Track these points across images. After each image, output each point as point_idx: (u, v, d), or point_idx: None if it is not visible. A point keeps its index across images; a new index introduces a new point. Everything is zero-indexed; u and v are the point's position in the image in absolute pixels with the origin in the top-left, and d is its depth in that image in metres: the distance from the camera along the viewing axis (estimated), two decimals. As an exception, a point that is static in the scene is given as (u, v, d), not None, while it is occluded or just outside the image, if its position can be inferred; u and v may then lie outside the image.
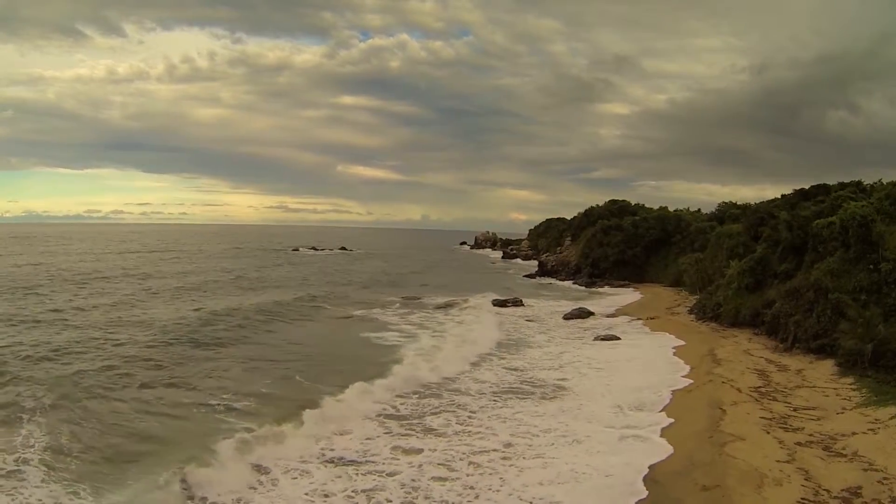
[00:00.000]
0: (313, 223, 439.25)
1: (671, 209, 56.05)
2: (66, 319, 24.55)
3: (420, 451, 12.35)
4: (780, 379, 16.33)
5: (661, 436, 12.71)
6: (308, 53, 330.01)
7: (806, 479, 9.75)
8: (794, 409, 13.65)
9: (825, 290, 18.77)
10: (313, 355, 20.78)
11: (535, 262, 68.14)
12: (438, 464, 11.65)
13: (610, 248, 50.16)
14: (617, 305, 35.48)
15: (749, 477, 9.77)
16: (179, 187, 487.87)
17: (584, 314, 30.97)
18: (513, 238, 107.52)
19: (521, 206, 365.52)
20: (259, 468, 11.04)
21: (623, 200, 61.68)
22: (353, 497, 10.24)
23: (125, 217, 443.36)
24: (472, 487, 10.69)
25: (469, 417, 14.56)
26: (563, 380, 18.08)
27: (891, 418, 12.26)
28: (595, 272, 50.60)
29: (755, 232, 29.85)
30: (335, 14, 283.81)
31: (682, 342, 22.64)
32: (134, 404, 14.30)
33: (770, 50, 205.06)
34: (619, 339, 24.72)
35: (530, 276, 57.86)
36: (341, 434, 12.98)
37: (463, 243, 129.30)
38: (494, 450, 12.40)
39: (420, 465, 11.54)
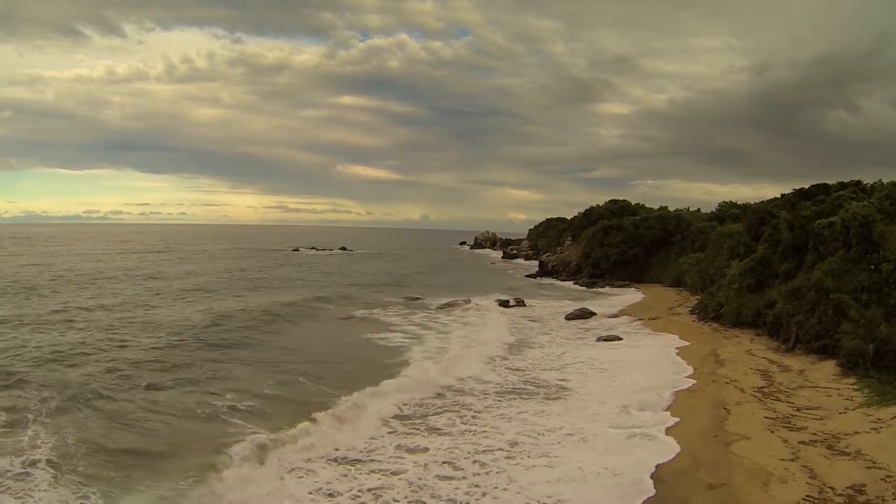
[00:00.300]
0: (312, 223, 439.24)
1: (670, 208, 56.33)
2: (70, 321, 24.54)
3: (426, 449, 12.48)
4: (782, 379, 16.47)
5: (667, 435, 12.85)
6: (307, 53, 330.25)
7: (811, 478, 9.90)
8: (798, 409, 13.79)
9: (826, 291, 18.90)
10: (319, 357, 20.85)
11: (536, 262, 68.29)
12: (444, 462, 11.77)
13: (611, 248, 50.30)
14: (618, 306, 35.63)
15: (755, 475, 9.92)
16: (178, 187, 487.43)
17: (585, 314, 31.11)
18: (512, 238, 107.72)
19: (521, 205, 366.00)
20: (268, 469, 11.11)
21: (623, 200, 61.87)
22: (359, 496, 10.34)
23: (124, 217, 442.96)
24: (477, 486, 10.79)
25: (473, 417, 14.69)
26: (567, 380, 18.22)
27: (893, 418, 12.41)
28: (596, 272, 50.75)
29: (756, 232, 29.94)
30: (335, 14, 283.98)
31: (685, 343, 22.79)
32: (141, 407, 14.32)
33: (769, 50, 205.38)
34: (621, 339, 24.85)
35: (531, 276, 58.02)
36: (348, 434, 13.05)
37: (463, 243, 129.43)
38: (500, 449, 12.52)
39: (426, 465, 11.66)
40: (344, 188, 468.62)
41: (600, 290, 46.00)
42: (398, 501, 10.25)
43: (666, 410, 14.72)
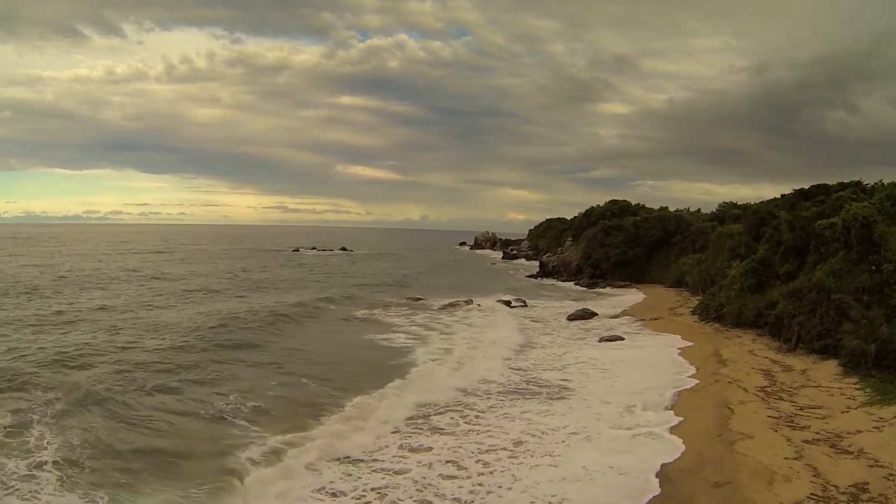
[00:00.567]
0: (312, 223, 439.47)
1: (670, 208, 56.50)
2: (74, 322, 24.52)
3: (429, 449, 12.60)
4: (785, 379, 16.60)
5: (672, 434, 12.95)
6: (307, 54, 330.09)
7: (814, 476, 10.03)
8: (800, 409, 13.92)
9: (828, 291, 19.02)
10: (324, 358, 20.88)
11: (536, 263, 68.43)
12: (447, 462, 11.89)
13: (611, 248, 50.43)
14: (620, 306, 35.76)
15: (760, 473, 10.05)
16: (178, 187, 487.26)
17: (587, 315, 31.23)
18: (512, 238, 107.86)
19: (520, 205, 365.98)
20: (276, 472, 11.11)
21: (623, 200, 62.03)
22: (364, 496, 10.44)
23: (124, 217, 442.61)
24: (481, 485, 10.90)
25: (477, 417, 14.79)
26: (570, 380, 18.32)
27: (894, 417, 12.54)
28: (597, 273, 50.87)
29: (756, 232, 30.09)
30: (334, 14, 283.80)
31: (687, 343, 22.90)
32: (146, 409, 14.28)
33: (769, 50, 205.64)
34: (623, 339, 24.97)
35: (532, 276, 58.16)
36: (354, 436, 13.09)
37: (463, 244, 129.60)
38: (504, 448, 12.62)
39: (430, 464, 11.78)
40: (343, 188, 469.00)
41: (601, 290, 46.12)
42: (403, 501, 10.32)
43: (670, 410, 14.83)
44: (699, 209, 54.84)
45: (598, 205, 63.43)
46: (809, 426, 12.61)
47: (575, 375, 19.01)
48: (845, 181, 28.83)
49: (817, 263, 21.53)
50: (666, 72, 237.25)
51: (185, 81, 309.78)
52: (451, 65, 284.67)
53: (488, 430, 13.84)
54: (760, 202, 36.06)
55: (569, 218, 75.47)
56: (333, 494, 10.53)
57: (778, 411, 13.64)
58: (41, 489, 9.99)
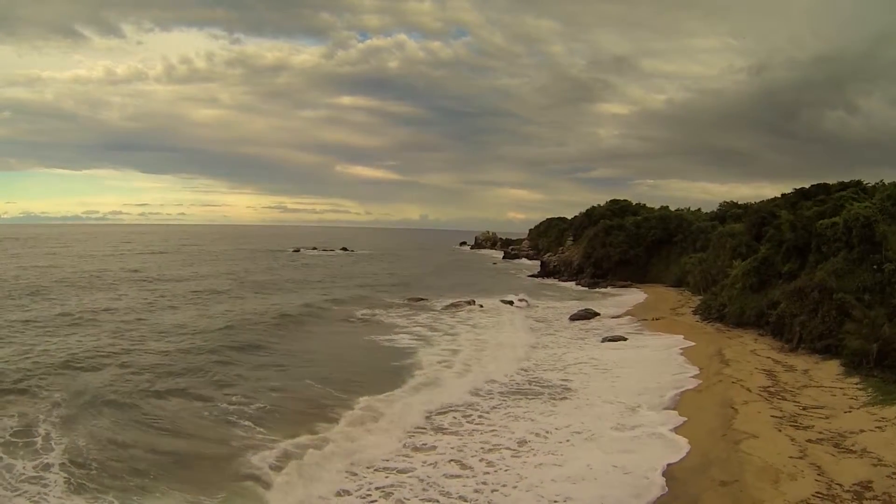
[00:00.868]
0: (312, 223, 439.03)
1: (669, 208, 56.58)
2: (78, 324, 24.45)
3: (433, 448, 12.74)
4: (787, 379, 16.74)
5: (676, 434, 13.10)
6: (306, 54, 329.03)
7: (819, 475, 10.17)
8: (804, 408, 14.06)
9: (830, 291, 19.16)
10: (331, 360, 20.93)
11: (537, 262, 68.64)
12: (452, 461, 12.04)
13: (612, 248, 50.56)
14: (621, 306, 35.91)
15: (765, 472, 10.19)
16: (178, 188, 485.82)
17: (589, 315, 31.39)
18: (512, 237, 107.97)
19: (520, 205, 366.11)
20: (285, 476, 11.11)
21: (624, 200, 62.14)
22: (369, 495, 10.55)
23: (123, 218, 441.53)
24: (485, 483, 11.04)
25: (480, 417, 14.93)
26: (573, 380, 18.46)
27: (897, 416, 12.68)
28: (598, 272, 51.01)
29: (757, 232, 30.28)
30: (333, 15, 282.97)
31: (690, 343, 23.02)
32: (153, 412, 14.26)
33: (768, 50, 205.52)
34: (626, 339, 25.13)
35: (533, 276, 58.35)
36: (363, 438, 13.13)
37: (463, 243, 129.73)
38: (508, 447, 12.76)
39: (435, 463, 11.92)
40: (343, 188, 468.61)
41: (602, 290, 46.28)
42: (409, 500, 10.43)
43: (673, 410, 14.98)
44: (699, 209, 55.07)
45: (599, 204, 63.62)
46: (813, 426, 12.75)
47: (578, 375, 19.15)
48: (845, 181, 29.01)
49: (819, 263, 21.68)
50: (665, 72, 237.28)
51: (185, 82, 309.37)
52: (450, 65, 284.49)
53: (493, 430, 13.97)
54: (761, 202, 36.30)
55: (569, 217, 75.69)
56: (338, 494, 10.64)
57: (781, 411, 13.77)
58: (49, 492, 10.04)
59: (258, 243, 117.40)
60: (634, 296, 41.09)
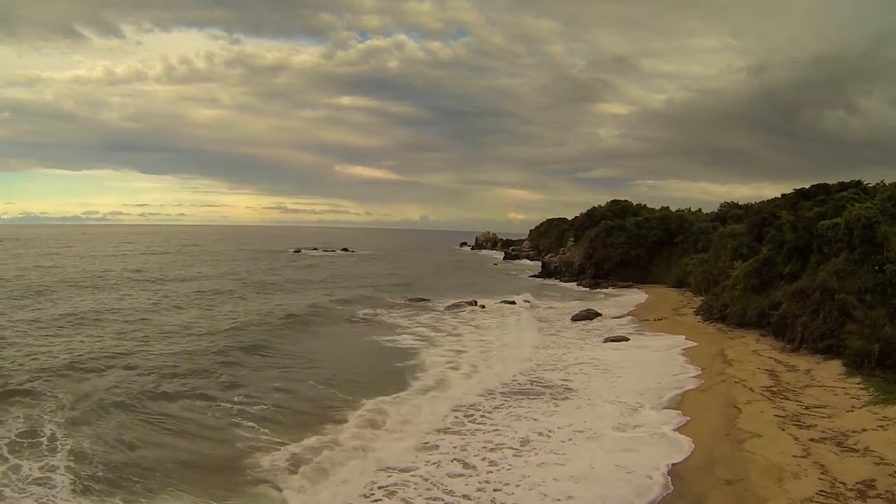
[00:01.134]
0: (312, 223, 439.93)
1: (669, 208, 56.74)
2: (83, 326, 24.40)
3: (436, 447, 12.85)
4: (789, 378, 16.88)
5: (680, 433, 13.23)
6: (306, 54, 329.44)
7: (822, 473, 10.31)
8: (806, 408, 14.19)
9: (831, 292, 19.30)
10: (338, 362, 20.93)
11: (538, 263, 68.82)
12: (455, 460, 12.15)
13: (613, 248, 50.68)
14: (623, 306, 36.02)
15: (769, 471, 10.33)
16: (177, 188, 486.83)
17: (591, 315, 31.51)
18: (512, 238, 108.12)
19: (520, 205, 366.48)
20: (295, 479, 11.17)
21: (625, 201, 62.28)
22: (372, 494, 10.66)
23: (123, 218, 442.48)
24: (488, 482, 11.15)
25: (483, 416, 15.02)
26: (575, 380, 18.56)
27: (899, 415, 12.81)
28: (599, 273, 51.12)
29: (758, 232, 30.41)
30: (333, 15, 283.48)
31: (692, 343, 23.14)
32: (159, 415, 14.14)
33: (768, 50, 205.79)
34: (628, 340, 25.25)
35: (534, 276, 58.48)
36: (371, 440, 13.17)
37: (463, 244, 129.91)
38: (511, 447, 12.88)
39: (438, 462, 12.02)
40: (343, 188, 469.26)
41: (603, 290, 46.36)
42: (413, 499, 10.52)
43: (677, 409, 15.08)
44: (700, 209, 55.21)
45: (600, 205, 63.72)
46: (815, 425, 12.88)
47: (580, 375, 19.26)
48: (845, 181, 29.13)
49: (820, 264, 21.81)
50: (665, 72, 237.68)
51: (185, 82, 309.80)
52: (450, 65, 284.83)
53: (495, 429, 14.08)
54: (761, 202, 36.42)
55: (569, 218, 75.84)
56: (347, 494, 10.66)
57: (784, 410, 13.91)
58: (56, 494, 10.07)
59: (258, 244, 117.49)
60: (636, 296, 41.21)
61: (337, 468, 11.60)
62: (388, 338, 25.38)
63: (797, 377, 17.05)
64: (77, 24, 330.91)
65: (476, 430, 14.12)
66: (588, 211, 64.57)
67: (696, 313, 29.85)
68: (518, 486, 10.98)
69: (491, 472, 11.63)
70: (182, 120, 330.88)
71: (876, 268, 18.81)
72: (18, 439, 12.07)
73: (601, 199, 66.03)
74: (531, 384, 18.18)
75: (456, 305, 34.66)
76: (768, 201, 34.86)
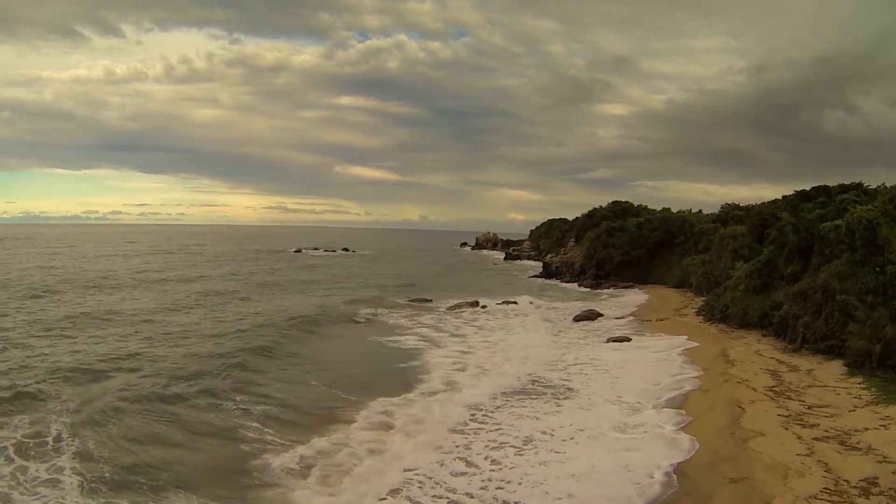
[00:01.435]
0: (311, 224, 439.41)
1: (669, 209, 57.00)
2: (88, 328, 24.38)
3: (439, 446, 13.01)
4: (792, 378, 17.04)
5: (684, 433, 13.38)
6: (306, 54, 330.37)
7: (826, 471, 10.47)
8: (809, 407, 14.36)
9: (833, 292, 19.47)
10: (345, 364, 21.12)
11: (538, 263, 69.08)
12: (458, 458, 12.34)
13: (615, 249, 50.88)
14: (625, 307, 36.19)
15: (774, 469, 10.49)
16: (177, 188, 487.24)
17: (593, 316, 31.69)
18: (513, 238, 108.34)
19: (519, 206, 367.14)
20: (296, 478, 11.29)
21: (626, 202, 62.57)
22: (377, 493, 10.76)
23: (123, 218, 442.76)
24: (490, 480, 11.33)
25: (485, 416, 15.18)
26: (578, 380, 18.74)
27: (901, 415, 12.98)
28: (600, 273, 51.31)
29: (759, 234, 30.62)
30: (333, 15, 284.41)
31: (694, 343, 23.29)
32: (167, 418, 14.22)
33: (767, 51, 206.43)
34: (630, 340, 25.42)
35: (535, 277, 58.66)
36: (378, 441, 13.25)
37: (464, 244, 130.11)
38: (513, 445, 13.05)
39: (441, 462, 12.20)
40: (342, 189, 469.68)
41: (605, 291, 46.53)
42: (416, 497, 10.65)
43: (679, 409, 15.22)
44: (700, 210, 55.41)
45: (601, 206, 64.03)
46: (818, 424, 13.04)
47: (583, 375, 19.42)
48: (845, 182, 29.38)
49: (822, 265, 21.98)
50: (665, 72, 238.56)
51: (184, 82, 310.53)
52: (450, 65, 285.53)
53: (498, 428, 14.23)
54: (762, 203, 36.62)
55: (569, 218, 76.17)
56: (333, 487, 10.82)
57: (787, 410, 14.07)
58: (65, 495, 10.13)
59: (259, 244, 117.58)
60: (637, 297, 41.37)
61: (348, 471, 11.67)
62: (393, 339, 25.51)
63: (799, 377, 17.22)
64: (77, 24, 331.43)
65: (479, 428, 14.29)
66: (589, 212, 64.84)
67: (698, 314, 30.01)
68: (520, 484, 11.14)
69: (494, 470, 11.78)
70: (182, 120, 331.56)
71: (877, 269, 18.97)
72: (25, 440, 12.17)
73: (601, 199, 66.72)
74: (533, 384, 18.33)
75: (458, 306, 34.83)
76: (769, 203, 35.07)
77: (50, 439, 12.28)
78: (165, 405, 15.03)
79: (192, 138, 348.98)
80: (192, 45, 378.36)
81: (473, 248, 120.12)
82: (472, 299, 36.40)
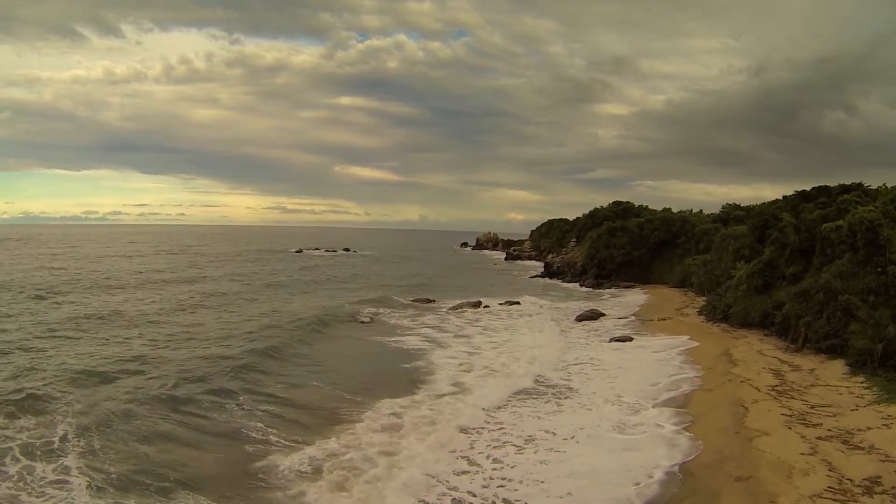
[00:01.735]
0: (311, 224, 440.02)
1: (670, 209, 57.20)
2: (94, 329, 24.45)
3: (442, 446, 13.12)
4: (794, 378, 17.18)
5: (689, 432, 13.53)
6: (306, 54, 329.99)
7: (830, 470, 10.62)
8: (812, 406, 14.50)
9: (835, 292, 19.62)
10: (352, 364, 21.25)
11: (539, 263, 69.23)
12: (461, 457, 12.49)
13: (616, 249, 51.01)
14: (626, 306, 36.33)
15: (778, 468, 10.63)
16: (177, 188, 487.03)
17: (595, 315, 31.82)
18: (513, 238, 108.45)
19: (519, 206, 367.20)
20: (302, 479, 11.38)
21: (627, 202, 62.72)
22: (380, 491, 10.89)
23: (123, 218, 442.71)
24: (492, 478, 11.46)
25: (489, 416, 15.29)
26: (581, 379, 18.91)
27: (903, 414, 13.11)
28: (601, 273, 51.43)
29: (760, 234, 30.76)
30: (333, 15, 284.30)
31: (697, 343, 23.43)
32: (173, 419, 14.25)
33: (767, 51, 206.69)
34: (633, 339, 25.55)
35: (536, 277, 58.78)
36: (384, 442, 13.34)
37: (464, 244, 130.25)
38: (515, 444, 13.19)
39: (443, 461, 12.30)
40: (342, 189, 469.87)
41: (606, 291, 46.64)
42: (419, 496, 10.77)
43: (685, 408, 15.39)
44: (701, 210, 55.64)
45: (602, 206, 64.20)
46: (821, 423, 13.18)
47: (585, 375, 19.58)
48: (846, 183, 29.51)
49: (823, 265, 22.14)
50: (665, 72, 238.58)
51: (184, 82, 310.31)
52: (449, 65, 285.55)
53: (500, 427, 14.37)
54: (763, 204, 36.75)
55: (569, 218, 76.35)
56: (343, 489, 10.95)
57: (791, 409, 14.22)
58: (74, 496, 10.20)
59: (260, 244, 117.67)
60: (638, 296, 41.50)
61: (357, 472, 11.75)
62: (399, 339, 25.63)
63: (802, 377, 17.35)
64: (77, 24, 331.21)
65: (481, 427, 14.42)
66: (590, 212, 65.00)
67: (700, 313, 30.15)
68: (521, 482, 11.29)
69: (496, 469, 11.92)
70: (182, 120, 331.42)
71: (879, 269, 19.13)
72: (31, 440, 12.25)
73: (600, 199, 67.00)
74: (535, 384, 18.44)
75: (461, 306, 34.95)
76: (769, 203, 35.19)
77: (56, 440, 12.36)
78: (172, 406, 15.06)
79: (192, 138, 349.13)
80: (191, 45, 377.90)
81: (474, 248, 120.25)
82: (474, 300, 36.49)
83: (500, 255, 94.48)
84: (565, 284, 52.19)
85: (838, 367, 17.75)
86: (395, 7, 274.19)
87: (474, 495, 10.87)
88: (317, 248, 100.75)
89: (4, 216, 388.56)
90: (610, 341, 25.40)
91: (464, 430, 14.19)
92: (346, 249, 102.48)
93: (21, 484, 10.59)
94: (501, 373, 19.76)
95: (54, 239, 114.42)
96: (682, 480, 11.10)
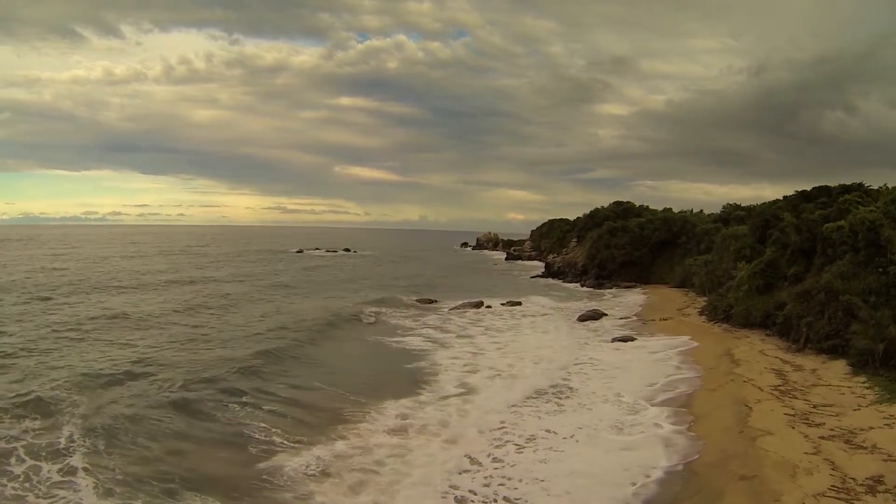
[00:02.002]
0: (311, 224, 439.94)
1: (671, 209, 57.25)
2: (98, 330, 24.36)
3: (442, 446, 13.19)
4: (796, 378, 17.28)
5: (692, 431, 13.64)
6: (305, 55, 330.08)
7: (833, 469, 10.72)
8: (814, 406, 14.60)
9: (836, 293, 19.71)
10: (358, 365, 21.35)
11: (539, 263, 69.33)
12: (463, 456, 12.54)
13: (617, 249, 51.09)
14: (628, 306, 36.43)
15: (782, 467, 10.73)
16: (177, 189, 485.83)
17: (597, 316, 31.91)
18: (513, 238, 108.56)
19: (519, 206, 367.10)
20: (315, 480, 11.45)
21: (627, 202, 62.77)
22: (388, 492, 10.96)
23: (123, 219, 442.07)
24: (492, 477, 11.53)
25: (489, 416, 15.36)
26: (583, 379, 18.98)
27: (905, 414, 13.21)
28: (602, 273, 51.52)
29: (761, 234, 30.85)
30: (332, 15, 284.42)
31: (698, 343, 23.52)
32: (179, 421, 14.25)
33: (767, 51, 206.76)
34: (635, 339, 25.65)
35: (537, 277, 58.87)
36: (398, 442, 13.45)
37: (465, 244, 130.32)
38: (516, 444, 13.27)
39: (447, 460, 12.37)
40: (342, 189, 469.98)
41: (607, 291, 46.70)
42: (420, 495, 10.83)
43: (687, 408, 15.49)
44: (702, 210, 55.72)
45: (603, 206, 64.26)
46: (824, 423, 13.28)
47: (587, 375, 19.65)
48: (846, 183, 29.61)
49: (824, 266, 22.23)
50: (665, 72, 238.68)
51: (184, 82, 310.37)
52: (449, 65, 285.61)
53: (502, 427, 14.45)
54: (763, 204, 36.86)
55: (570, 218, 76.42)
56: (352, 490, 11.04)
57: (793, 409, 14.32)
58: (81, 497, 10.23)
59: (260, 244, 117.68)
60: (639, 297, 41.60)
61: (364, 473, 11.81)
62: (401, 340, 25.72)
63: (804, 376, 17.45)
64: (76, 25, 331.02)
65: (482, 427, 14.47)
66: (591, 212, 65.08)
67: (701, 313, 30.24)
68: (521, 481, 11.38)
69: (497, 468, 12.01)
70: (181, 120, 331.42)
71: (880, 269, 19.22)
72: (37, 442, 12.28)
73: (601, 199, 67.07)
74: (539, 384, 18.43)
75: (463, 306, 35.04)
76: (770, 203, 35.30)
77: (62, 440, 12.41)
78: (178, 408, 15.06)
79: (192, 139, 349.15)
80: (191, 45, 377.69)
81: (474, 248, 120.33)
82: (476, 300, 36.58)
83: (500, 255, 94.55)
84: (566, 284, 52.27)
85: (840, 367, 17.84)
86: (394, 7, 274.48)
87: (475, 493, 10.96)
88: (317, 249, 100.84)
89: (4, 217, 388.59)
90: (612, 341, 25.48)
91: (465, 430, 14.23)
92: (347, 250, 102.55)
93: (28, 485, 10.63)
94: (507, 374, 19.80)
95: (54, 240, 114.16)
96: (685, 479, 11.19)
